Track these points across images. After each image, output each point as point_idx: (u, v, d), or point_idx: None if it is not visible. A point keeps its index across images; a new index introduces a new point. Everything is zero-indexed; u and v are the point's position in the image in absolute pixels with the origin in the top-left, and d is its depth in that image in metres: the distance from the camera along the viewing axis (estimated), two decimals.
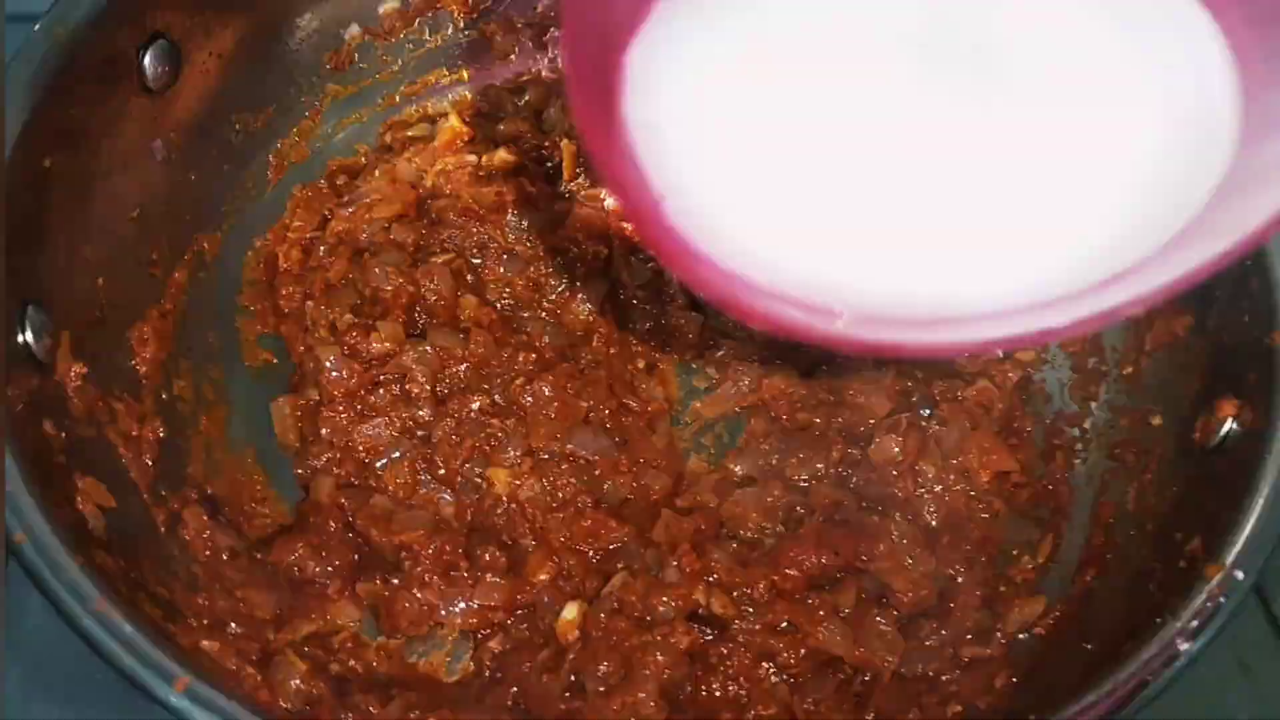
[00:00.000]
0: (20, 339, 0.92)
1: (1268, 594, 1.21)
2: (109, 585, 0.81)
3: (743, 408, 1.19)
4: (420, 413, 1.13)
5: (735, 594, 1.05)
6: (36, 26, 0.99)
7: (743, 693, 1.01)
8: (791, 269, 0.73)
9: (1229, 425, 0.97)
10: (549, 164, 1.29)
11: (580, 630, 1.02)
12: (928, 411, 1.15)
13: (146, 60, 1.08)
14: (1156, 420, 1.07)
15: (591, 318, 1.20)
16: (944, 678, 1.01)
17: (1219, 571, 0.84)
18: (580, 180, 1.28)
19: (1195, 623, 0.83)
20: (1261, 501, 0.87)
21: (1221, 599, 0.83)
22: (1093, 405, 1.15)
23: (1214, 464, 0.97)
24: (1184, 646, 0.82)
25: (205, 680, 0.77)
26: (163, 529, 1.00)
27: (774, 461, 1.15)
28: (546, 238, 1.23)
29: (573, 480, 1.11)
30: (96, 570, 0.82)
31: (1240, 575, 0.84)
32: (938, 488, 1.11)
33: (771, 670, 1.02)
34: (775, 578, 1.05)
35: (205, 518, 1.02)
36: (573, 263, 1.22)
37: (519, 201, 1.24)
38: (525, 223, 1.24)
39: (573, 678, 1.00)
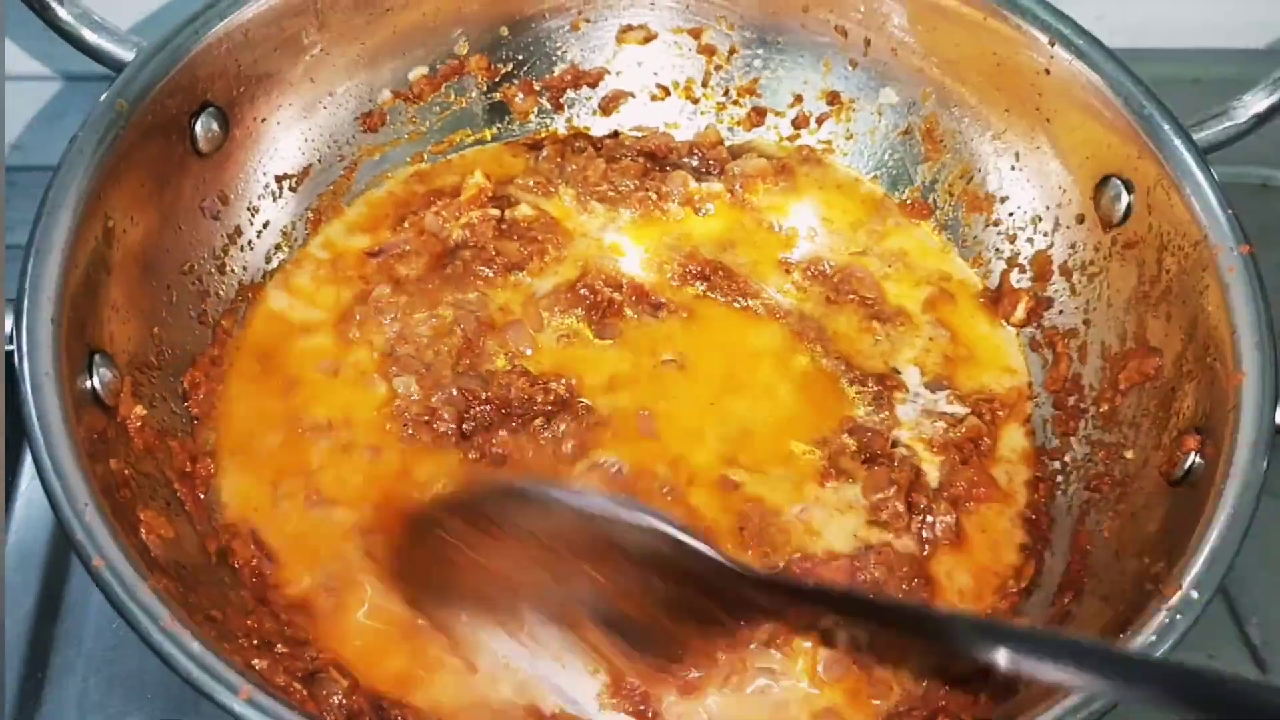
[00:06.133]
0: (88, 384, 1.00)
1: (1241, 617, 1.28)
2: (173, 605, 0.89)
3: None
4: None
5: None
6: (101, 98, 1.09)
7: None
8: None
9: (1193, 458, 1.04)
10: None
11: None
12: None
13: (197, 126, 1.17)
14: (1130, 454, 1.14)
15: None
16: (935, 694, 1.07)
17: (1176, 592, 0.92)
18: None
19: (1154, 638, 0.90)
20: (1217, 528, 0.94)
21: (1178, 616, 0.91)
22: (1072, 440, 1.22)
23: (1179, 494, 1.04)
24: None
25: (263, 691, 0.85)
26: (214, 558, 1.07)
27: None
28: (564, 285, 1.32)
29: None
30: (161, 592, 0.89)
31: (1195, 595, 0.91)
32: (929, 518, 1.19)
33: None
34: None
35: (252, 547, 1.09)
36: (589, 309, 1.30)
37: (538, 252, 1.33)
38: (544, 270, 1.33)
39: None
